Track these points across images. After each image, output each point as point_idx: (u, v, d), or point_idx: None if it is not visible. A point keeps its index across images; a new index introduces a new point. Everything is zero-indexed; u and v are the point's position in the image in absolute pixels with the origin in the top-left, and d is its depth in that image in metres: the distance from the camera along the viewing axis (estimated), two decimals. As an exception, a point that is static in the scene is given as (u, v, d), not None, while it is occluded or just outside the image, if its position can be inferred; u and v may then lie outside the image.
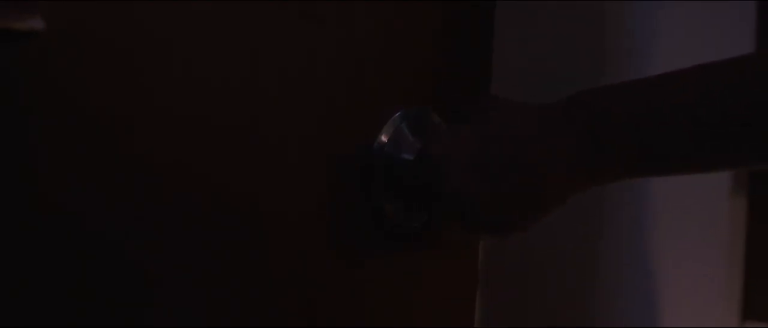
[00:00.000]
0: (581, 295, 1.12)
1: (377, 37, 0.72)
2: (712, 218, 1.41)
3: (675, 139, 0.56)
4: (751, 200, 1.52)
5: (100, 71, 0.57)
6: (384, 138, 0.73)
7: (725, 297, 1.48)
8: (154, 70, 0.60)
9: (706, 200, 1.36)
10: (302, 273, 0.70)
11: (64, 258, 0.57)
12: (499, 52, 0.83)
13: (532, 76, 0.99)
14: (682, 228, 1.31)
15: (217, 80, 0.63)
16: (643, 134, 0.57)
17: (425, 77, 0.76)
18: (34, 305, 0.56)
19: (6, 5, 0.52)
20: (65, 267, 0.57)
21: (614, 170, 0.60)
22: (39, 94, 0.55)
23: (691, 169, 0.58)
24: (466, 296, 0.83)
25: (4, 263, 0.54)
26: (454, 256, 0.81)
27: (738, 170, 0.58)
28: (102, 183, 0.58)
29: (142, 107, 0.59)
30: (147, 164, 0.60)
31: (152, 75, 0.60)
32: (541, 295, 1.05)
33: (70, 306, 0.57)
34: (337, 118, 0.70)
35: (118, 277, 0.59)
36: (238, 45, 0.64)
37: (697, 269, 1.37)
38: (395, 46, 0.73)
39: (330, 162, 0.70)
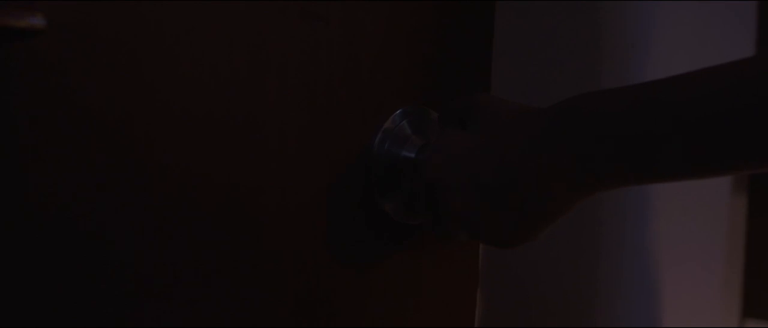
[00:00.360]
0: (581, 295, 1.12)
1: (378, 36, 0.72)
2: (712, 217, 1.41)
3: (682, 138, 0.55)
4: (751, 200, 1.52)
5: (101, 69, 0.57)
6: (384, 136, 0.73)
7: (725, 296, 1.48)
8: (154, 68, 0.60)
9: (706, 200, 1.36)
10: (301, 272, 0.70)
11: (63, 258, 0.57)
12: (499, 51, 0.83)
13: (532, 76, 0.99)
14: (682, 227, 1.31)
15: (217, 78, 0.63)
16: (646, 138, 0.57)
17: (426, 76, 0.76)
18: (34, 305, 0.56)
19: (7, 3, 0.52)
20: (65, 267, 0.57)
21: (617, 176, 0.59)
22: (40, 92, 0.55)
23: (697, 171, 0.57)
24: (466, 296, 0.82)
25: (4, 263, 0.54)
26: (454, 256, 0.81)
27: (745, 172, 0.57)
28: (102, 182, 0.58)
29: (143, 106, 0.59)
30: (148, 163, 0.60)
31: (153, 73, 0.60)
32: (541, 295, 1.05)
33: (69, 306, 0.57)
34: (338, 116, 0.70)
35: (117, 277, 0.59)
36: (238, 43, 0.64)
37: (697, 268, 1.37)
38: (395, 45, 0.73)
39: (330, 160, 0.70)
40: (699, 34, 1.26)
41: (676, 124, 0.55)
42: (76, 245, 0.57)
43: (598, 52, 1.09)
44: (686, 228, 1.31)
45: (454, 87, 0.78)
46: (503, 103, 0.68)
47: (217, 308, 0.65)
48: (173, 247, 0.62)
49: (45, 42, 0.54)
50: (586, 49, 1.07)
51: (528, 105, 0.67)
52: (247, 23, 0.64)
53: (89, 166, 0.57)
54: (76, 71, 0.56)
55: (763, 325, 1.54)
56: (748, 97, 0.52)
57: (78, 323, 0.58)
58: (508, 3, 0.90)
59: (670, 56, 1.20)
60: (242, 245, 0.66)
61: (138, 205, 0.60)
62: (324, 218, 0.70)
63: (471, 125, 0.68)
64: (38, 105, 0.55)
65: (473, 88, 0.79)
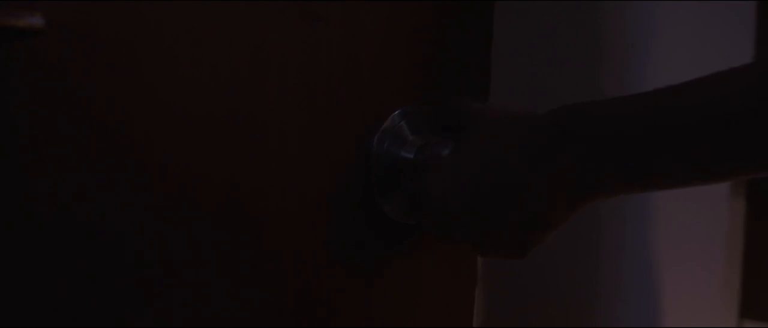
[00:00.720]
0: (581, 295, 1.12)
1: (378, 36, 0.72)
2: (711, 218, 1.41)
3: (683, 140, 0.55)
4: (749, 201, 1.52)
5: (101, 69, 0.57)
6: (383, 136, 0.73)
7: (724, 296, 1.48)
8: (154, 68, 0.60)
9: (705, 201, 1.36)
10: (301, 272, 0.70)
11: (64, 258, 0.57)
12: (499, 51, 0.82)
13: (531, 76, 0.99)
14: (682, 228, 1.31)
15: (217, 78, 0.63)
16: (649, 139, 0.57)
17: (425, 76, 0.76)
18: (34, 305, 0.56)
19: (7, 3, 0.51)
20: (65, 267, 0.57)
21: (619, 178, 0.59)
22: (40, 92, 0.54)
23: (697, 173, 0.57)
24: (466, 296, 0.82)
25: (4, 263, 0.54)
26: (454, 256, 0.81)
27: (745, 175, 0.57)
28: (102, 182, 0.58)
29: (143, 106, 0.59)
30: (148, 163, 0.60)
31: (153, 73, 0.60)
32: (541, 295, 1.05)
33: (69, 306, 0.57)
34: (338, 116, 0.70)
35: (117, 277, 0.59)
36: (238, 43, 0.64)
37: (696, 269, 1.37)
38: (395, 45, 0.73)
39: (330, 160, 0.70)
40: (699, 34, 1.26)
41: (679, 126, 0.55)
42: (76, 245, 0.57)
43: (598, 52, 1.09)
44: (685, 230, 1.31)
45: (454, 87, 0.78)
46: (500, 107, 0.69)
47: (217, 308, 0.65)
48: (173, 247, 0.62)
49: (45, 42, 0.54)
50: (586, 49, 1.07)
51: (523, 109, 0.67)
52: (247, 23, 0.64)
53: (89, 166, 0.57)
54: (76, 71, 0.56)
55: (761, 325, 1.54)
56: (748, 101, 0.52)
57: (78, 323, 0.57)
58: (508, 3, 0.90)
59: (670, 56, 1.19)
60: (242, 245, 0.66)
61: (138, 205, 0.60)
62: (324, 218, 0.70)
63: (471, 127, 0.68)
64: (38, 105, 0.55)
65: (473, 88, 0.79)
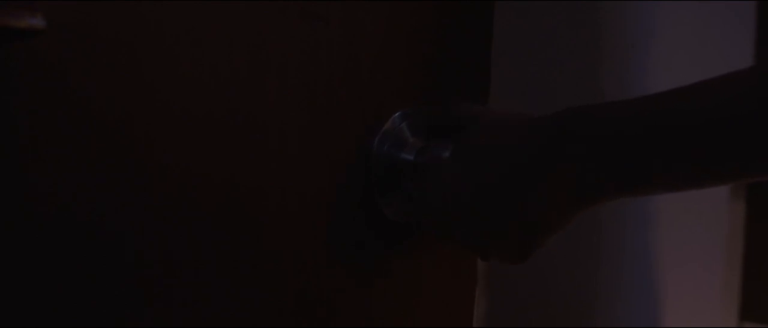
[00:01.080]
0: (581, 295, 1.12)
1: (378, 36, 0.72)
2: (711, 220, 1.41)
3: (683, 140, 0.55)
4: (749, 203, 1.52)
5: (101, 69, 0.57)
6: (384, 138, 0.73)
7: (723, 298, 1.48)
8: (154, 68, 0.60)
9: (705, 203, 1.36)
10: (301, 272, 0.70)
11: (63, 258, 0.56)
12: (499, 51, 0.82)
13: (531, 76, 0.99)
14: (682, 229, 1.31)
15: (217, 78, 0.63)
16: (650, 140, 0.57)
17: (425, 76, 0.76)
18: (34, 305, 0.56)
19: (7, 3, 0.51)
20: (65, 267, 0.57)
21: (620, 179, 0.59)
22: (40, 92, 0.54)
23: (697, 173, 0.57)
24: (466, 296, 0.82)
25: (4, 263, 0.54)
26: (454, 256, 0.81)
27: (746, 177, 0.57)
28: (102, 182, 0.58)
29: (143, 106, 0.59)
30: (148, 163, 0.60)
31: (153, 73, 0.60)
32: (541, 295, 1.05)
33: (69, 306, 0.57)
34: (338, 116, 0.70)
35: (117, 277, 0.59)
36: (238, 43, 0.64)
37: (695, 271, 1.37)
38: (395, 45, 0.73)
39: (330, 161, 0.70)
40: (699, 34, 1.26)
41: (679, 127, 0.55)
42: (76, 245, 0.57)
43: (598, 52, 1.09)
44: (686, 232, 1.31)
45: (454, 87, 0.78)
46: (499, 111, 0.69)
47: (217, 308, 0.65)
48: (173, 247, 0.62)
49: (45, 42, 0.54)
50: (586, 49, 1.07)
51: (521, 113, 0.67)
52: (247, 23, 0.64)
53: (89, 166, 0.57)
54: (76, 71, 0.56)
55: (761, 327, 1.54)
56: (748, 103, 0.53)
57: (78, 323, 0.57)
58: (508, 3, 0.90)
59: (670, 56, 1.19)
60: (242, 245, 0.66)
61: (138, 205, 0.60)
62: (324, 218, 0.70)
63: (471, 128, 0.68)
64: (38, 105, 0.55)
65: (473, 88, 0.79)
